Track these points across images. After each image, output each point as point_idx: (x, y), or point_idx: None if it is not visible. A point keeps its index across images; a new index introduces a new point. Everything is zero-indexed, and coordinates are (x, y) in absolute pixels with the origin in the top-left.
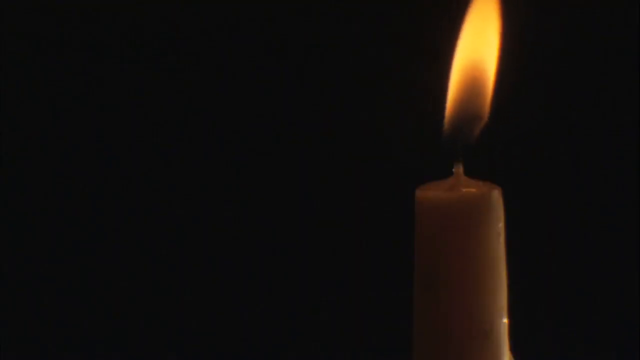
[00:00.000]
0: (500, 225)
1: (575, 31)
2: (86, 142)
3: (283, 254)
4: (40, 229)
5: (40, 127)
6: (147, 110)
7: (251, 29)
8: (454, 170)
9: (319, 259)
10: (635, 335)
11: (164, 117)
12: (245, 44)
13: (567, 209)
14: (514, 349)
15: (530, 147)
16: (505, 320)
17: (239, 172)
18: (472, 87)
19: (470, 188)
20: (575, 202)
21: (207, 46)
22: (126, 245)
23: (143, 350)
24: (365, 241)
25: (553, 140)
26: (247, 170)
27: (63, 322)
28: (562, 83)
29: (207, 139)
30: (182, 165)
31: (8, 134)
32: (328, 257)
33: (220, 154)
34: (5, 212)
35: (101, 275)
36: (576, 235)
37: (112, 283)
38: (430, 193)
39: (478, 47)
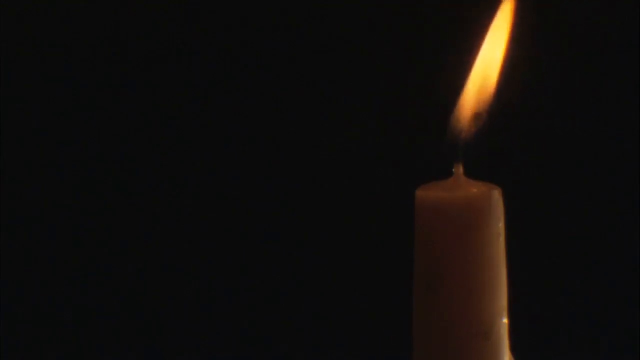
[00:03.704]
0: (500, 225)
1: (574, 31)
2: (86, 142)
3: (283, 254)
4: (41, 229)
5: (41, 127)
6: (147, 111)
7: (251, 29)
8: (454, 170)
9: (320, 259)
10: (635, 335)
11: (164, 117)
12: (245, 44)
13: (567, 209)
14: (514, 349)
15: (530, 147)
16: (505, 320)
17: (239, 172)
18: (474, 86)
19: (470, 188)
20: (575, 202)
21: (207, 46)
22: (126, 245)
23: (143, 350)
24: (365, 241)
25: (553, 140)
26: (247, 170)
27: (63, 322)
28: (562, 83)
29: (207, 139)
30: (182, 165)
31: (8, 134)
32: (328, 257)
33: (220, 154)
34: (6, 212)
35: (101, 275)
36: (576, 235)
37: (112, 283)
38: (430, 193)
39: (489, 50)
